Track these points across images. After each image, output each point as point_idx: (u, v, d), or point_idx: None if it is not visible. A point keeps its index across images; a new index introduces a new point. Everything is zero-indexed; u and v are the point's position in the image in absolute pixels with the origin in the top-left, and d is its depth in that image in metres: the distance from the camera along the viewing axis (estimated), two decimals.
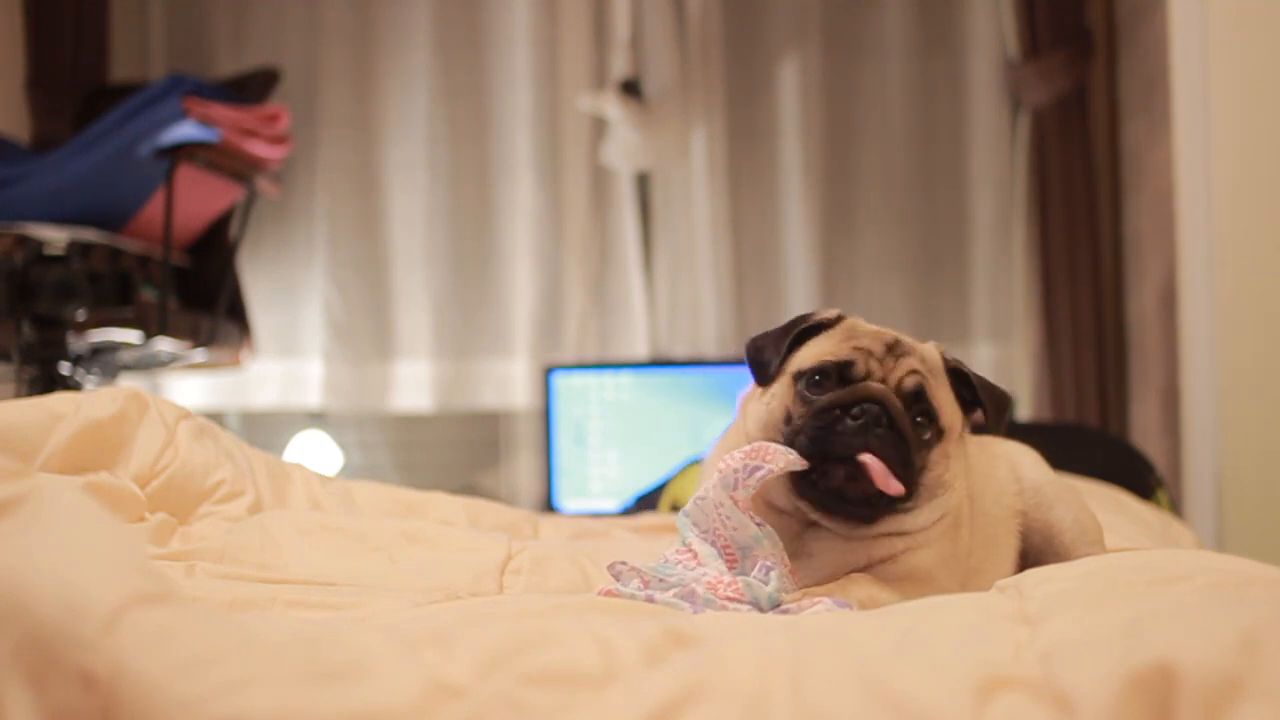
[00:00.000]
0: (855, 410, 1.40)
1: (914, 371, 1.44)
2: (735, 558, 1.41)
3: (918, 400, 1.43)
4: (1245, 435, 3.00)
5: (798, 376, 1.45)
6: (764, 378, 1.50)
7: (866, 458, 1.37)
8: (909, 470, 1.41)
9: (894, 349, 1.46)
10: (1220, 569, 1.21)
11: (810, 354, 1.47)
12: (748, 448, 1.41)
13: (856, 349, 1.45)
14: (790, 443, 1.41)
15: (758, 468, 1.38)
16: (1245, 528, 2.99)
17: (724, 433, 1.59)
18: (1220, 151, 3.04)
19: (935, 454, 1.45)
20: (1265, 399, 2.96)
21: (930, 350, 1.50)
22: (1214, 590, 1.13)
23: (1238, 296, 3.03)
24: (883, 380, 1.43)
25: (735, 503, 1.39)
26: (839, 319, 1.51)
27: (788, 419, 1.44)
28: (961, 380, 1.50)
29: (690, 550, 1.43)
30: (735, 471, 1.39)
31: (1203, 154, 3.08)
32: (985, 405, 1.49)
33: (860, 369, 1.43)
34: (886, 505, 1.42)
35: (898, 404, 1.41)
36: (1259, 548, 2.86)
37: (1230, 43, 3.01)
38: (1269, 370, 2.95)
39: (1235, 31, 3.01)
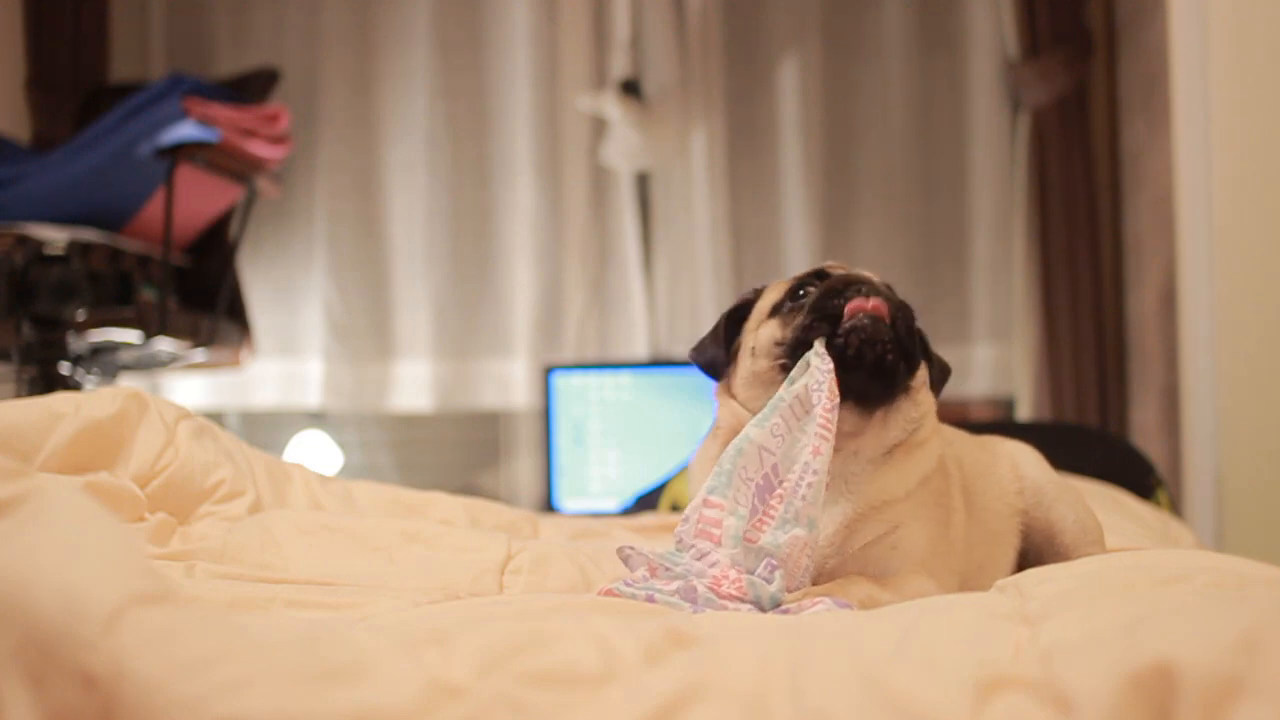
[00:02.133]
0: (853, 287, 1.45)
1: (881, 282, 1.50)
2: (771, 485, 1.39)
3: (890, 291, 1.49)
4: (1245, 435, 3.00)
5: (775, 309, 1.50)
6: (716, 370, 1.55)
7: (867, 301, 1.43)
8: (913, 334, 1.46)
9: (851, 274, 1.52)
10: (1220, 569, 1.21)
11: (765, 304, 1.53)
12: (805, 461, 1.37)
13: (813, 269, 1.52)
14: (795, 344, 1.45)
15: (802, 478, 1.37)
16: (1245, 528, 2.99)
17: (705, 436, 1.59)
18: (1220, 151, 3.03)
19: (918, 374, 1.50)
20: (1265, 399, 2.96)
21: None
22: (1214, 590, 1.13)
23: (1238, 296, 3.03)
24: None
25: (770, 512, 1.38)
26: (763, 289, 1.57)
27: (779, 342, 1.48)
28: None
29: (717, 504, 1.40)
30: (767, 476, 1.39)
31: (1203, 154, 3.08)
32: (930, 360, 1.54)
33: (834, 268, 1.51)
34: (905, 370, 1.45)
35: (884, 284, 1.48)
36: (1259, 548, 2.86)
37: (1230, 43, 3.01)
38: (1269, 370, 2.95)
39: (1235, 31, 3.01)
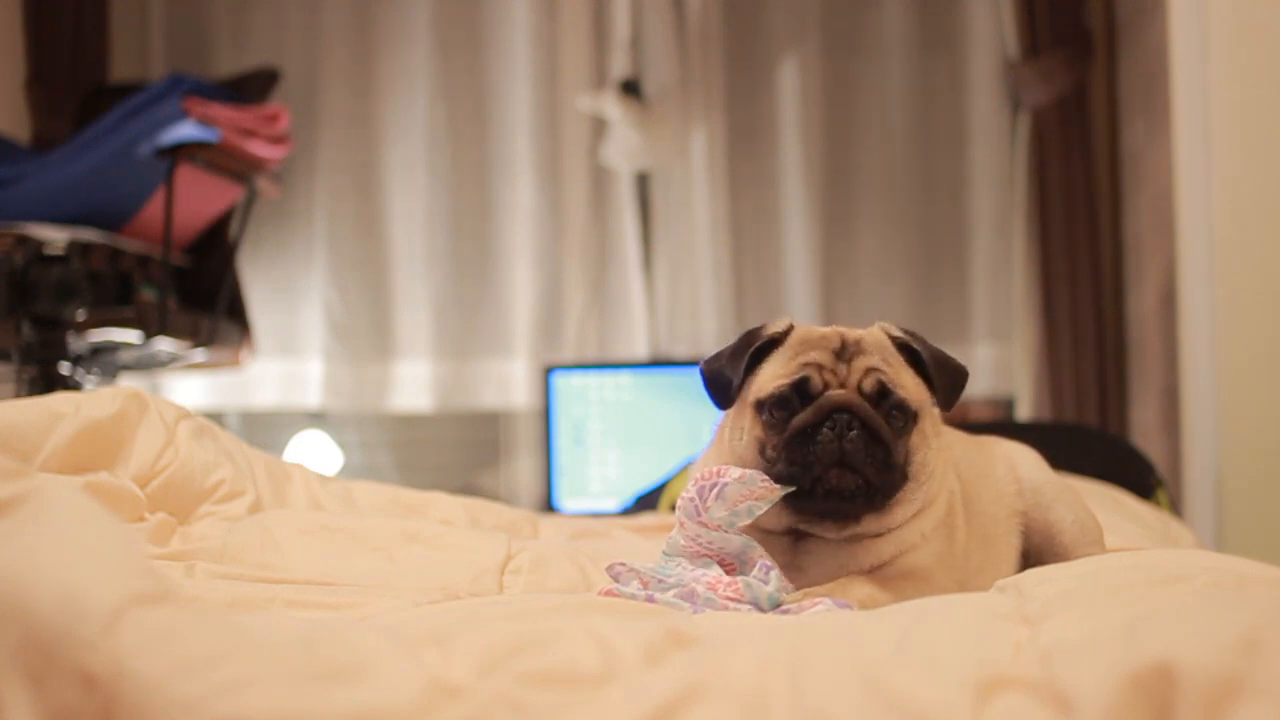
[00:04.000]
0: (826, 425, 1.41)
1: (870, 370, 1.44)
2: (733, 566, 1.41)
3: (883, 397, 1.43)
4: (1245, 435, 3.00)
5: (759, 406, 1.45)
6: (725, 401, 1.50)
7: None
8: (891, 468, 1.42)
9: (842, 353, 1.45)
10: (1220, 569, 1.21)
11: (765, 378, 1.46)
12: (696, 477, 1.42)
13: (806, 365, 1.44)
14: (772, 472, 1.42)
15: (713, 485, 1.39)
16: (1245, 528, 2.99)
17: (703, 453, 1.59)
18: (1220, 151, 3.03)
19: (914, 439, 1.45)
20: (1265, 399, 2.96)
21: (877, 335, 1.49)
22: (1214, 590, 1.13)
23: (1238, 296, 3.03)
24: (841, 386, 1.43)
25: (707, 526, 1.39)
26: (789, 330, 1.50)
27: (762, 450, 1.44)
28: (915, 356, 1.50)
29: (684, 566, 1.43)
30: (693, 500, 1.40)
31: (1203, 154, 3.08)
32: (934, 381, 1.48)
33: (816, 384, 1.43)
34: (881, 498, 1.42)
35: (865, 406, 1.42)
36: (1259, 548, 2.86)
37: (1230, 43, 3.01)
38: (1269, 370, 2.95)
39: (1235, 31, 3.01)
